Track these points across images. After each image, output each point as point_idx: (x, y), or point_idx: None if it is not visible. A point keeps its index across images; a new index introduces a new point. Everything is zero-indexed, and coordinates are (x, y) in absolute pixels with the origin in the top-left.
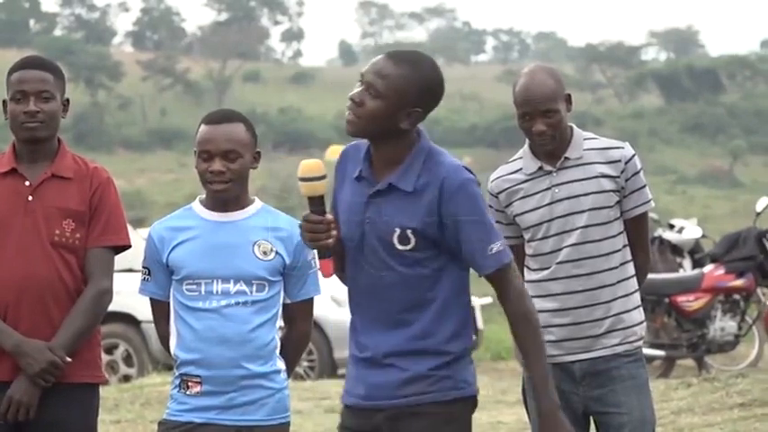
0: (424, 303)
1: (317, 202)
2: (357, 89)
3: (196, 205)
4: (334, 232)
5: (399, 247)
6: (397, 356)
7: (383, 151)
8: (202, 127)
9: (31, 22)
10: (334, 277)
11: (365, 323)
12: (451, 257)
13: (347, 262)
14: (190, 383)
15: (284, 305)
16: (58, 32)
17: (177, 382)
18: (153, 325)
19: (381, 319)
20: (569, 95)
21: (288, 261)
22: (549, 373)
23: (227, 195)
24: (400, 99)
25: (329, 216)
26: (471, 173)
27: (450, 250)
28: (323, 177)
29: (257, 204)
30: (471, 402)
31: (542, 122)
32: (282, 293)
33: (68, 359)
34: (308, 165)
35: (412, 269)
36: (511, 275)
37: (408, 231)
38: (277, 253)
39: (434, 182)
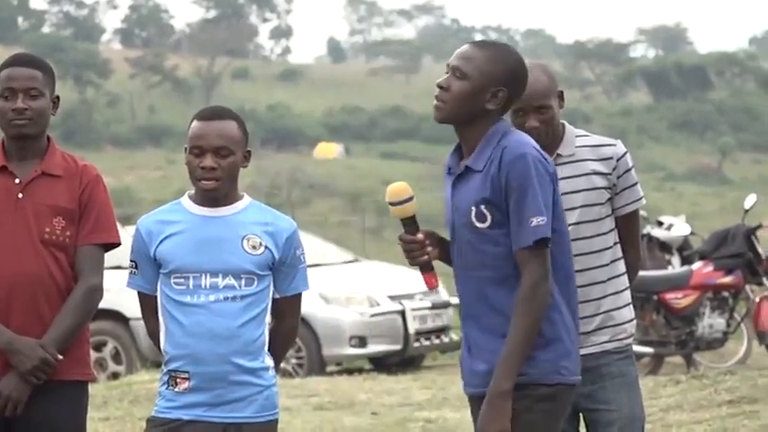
0: (506, 284)
1: (407, 223)
2: (445, 77)
3: (185, 200)
4: (429, 249)
5: (478, 225)
6: (487, 341)
7: (466, 138)
8: (194, 123)
9: (20, 19)
10: (322, 274)
11: (465, 306)
12: None
13: (452, 251)
14: (178, 380)
15: (273, 300)
16: (46, 30)
17: (165, 378)
18: (142, 322)
19: (476, 300)
20: (562, 92)
21: (277, 256)
22: (517, 359)
23: (216, 194)
24: (485, 78)
25: (420, 235)
26: (539, 151)
27: None
28: (410, 199)
29: (246, 200)
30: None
31: (535, 118)
32: (272, 288)
33: (60, 357)
34: (394, 189)
35: (494, 248)
36: (538, 257)
37: (482, 207)
38: (266, 247)
39: (497, 155)
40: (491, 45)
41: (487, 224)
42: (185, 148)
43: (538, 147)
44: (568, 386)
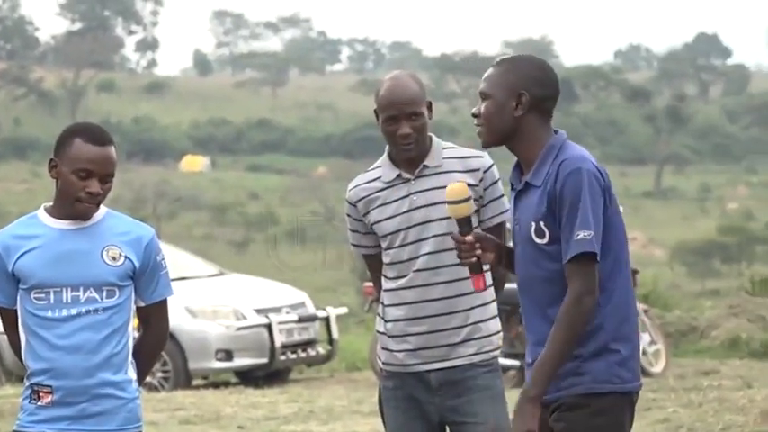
0: (562, 288)
1: (461, 223)
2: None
3: (41, 213)
4: (478, 251)
5: (537, 240)
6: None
7: (520, 153)
8: (83, 144)
9: None
10: (188, 287)
11: (526, 321)
12: None
13: (516, 265)
14: (41, 393)
15: (138, 308)
16: None
17: (28, 392)
18: (4, 336)
19: (535, 315)
20: (430, 103)
21: (137, 265)
22: (551, 368)
23: (90, 215)
24: (503, 90)
25: (470, 237)
26: (595, 165)
27: None
28: (467, 200)
29: (102, 210)
30: (623, 398)
31: (408, 125)
32: (134, 298)
33: None
34: (453, 188)
35: (553, 264)
36: (583, 271)
37: (541, 223)
38: (126, 258)
39: (554, 170)
40: (508, 59)
41: (546, 240)
42: (51, 162)
43: (594, 161)
44: (623, 394)
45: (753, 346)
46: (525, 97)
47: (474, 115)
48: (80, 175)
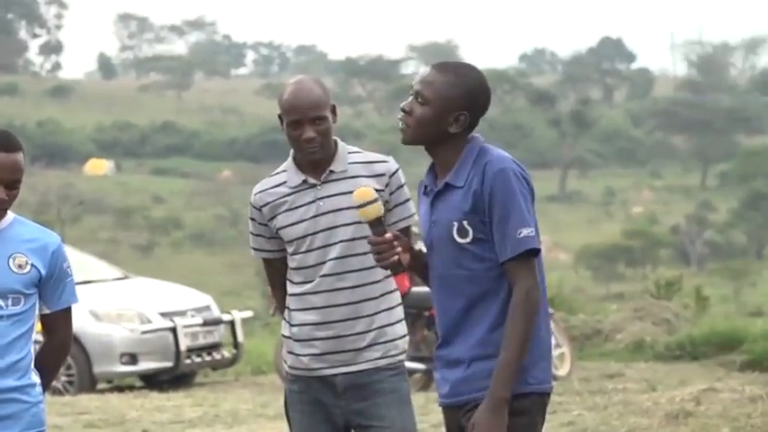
0: (489, 298)
1: (374, 224)
2: (408, 101)
3: None
4: (399, 249)
5: (459, 240)
6: (468, 353)
7: (439, 157)
8: None
9: None
10: (92, 290)
11: (445, 322)
12: None
13: (430, 267)
14: None
15: (43, 315)
16: None
17: None
18: None
19: (456, 316)
20: (334, 106)
21: (44, 272)
22: (515, 365)
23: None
24: (445, 104)
25: (388, 235)
26: (519, 165)
27: None
28: (375, 201)
29: (10, 216)
30: (540, 398)
31: (312, 129)
32: (38, 305)
33: None
34: (359, 192)
35: (474, 263)
36: (527, 267)
37: (464, 222)
38: (32, 265)
39: (479, 171)
40: (452, 68)
41: (469, 239)
42: None
43: (518, 162)
44: (536, 395)
45: (657, 348)
46: (464, 117)
47: (404, 110)
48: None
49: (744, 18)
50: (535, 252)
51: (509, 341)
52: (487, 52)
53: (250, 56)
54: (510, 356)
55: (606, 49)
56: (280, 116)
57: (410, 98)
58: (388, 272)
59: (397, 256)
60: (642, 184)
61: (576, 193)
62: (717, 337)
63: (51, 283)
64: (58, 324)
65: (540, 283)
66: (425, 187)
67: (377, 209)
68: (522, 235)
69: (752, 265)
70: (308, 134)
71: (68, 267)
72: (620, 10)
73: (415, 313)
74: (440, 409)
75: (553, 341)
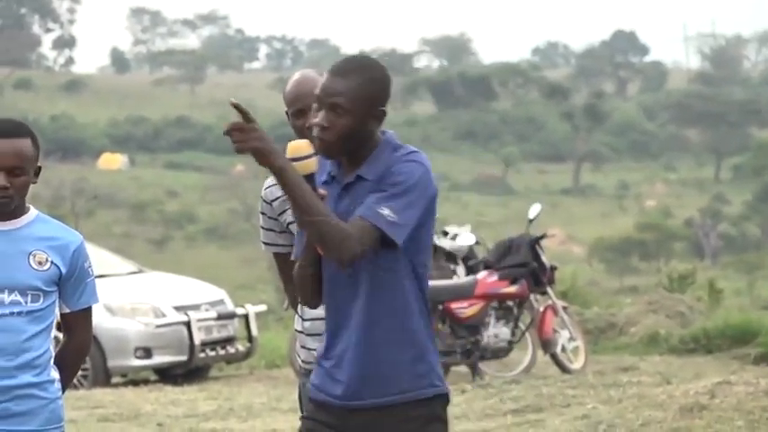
0: (392, 295)
1: (307, 180)
2: (320, 114)
3: None
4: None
5: None
6: (370, 352)
7: (355, 152)
8: None
9: None
10: (107, 285)
11: (334, 321)
12: (415, 245)
13: (323, 267)
14: None
15: (63, 315)
16: None
17: None
18: None
19: (359, 309)
20: None
21: (64, 271)
22: (297, 190)
23: (5, 210)
24: (366, 106)
25: (321, 191)
26: (423, 158)
27: (415, 239)
28: (311, 155)
29: (32, 213)
30: (446, 400)
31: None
32: (59, 303)
33: None
34: (296, 145)
35: (382, 258)
36: (367, 233)
37: None
38: (53, 263)
39: (392, 162)
40: (356, 69)
41: None
42: None
43: (422, 154)
44: (443, 396)
45: (671, 342)
46: (382, 111)
47: (321, 126)
48: None
49: (757, 11)
50: (391, 243)
51: (313, 200)
52: (500, 45)
53: (263, 50)
54: (302, 191)
55: (619, 42)
56: (286, 112)
57: (321, 112)
58: None
59: None
60: (656, 177)
61: (590, 187)
62: (731, 330)
63: (71, 283)
64: (77, 324)
65: (421, 282)
66: (329, 175)
67: (311, 164)
68: (383, 212)
69: (766, 258)
70: (311, 120)
71: (89, 267)
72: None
73: (429, 307)
74: (454, 402)
75: (567, 335)
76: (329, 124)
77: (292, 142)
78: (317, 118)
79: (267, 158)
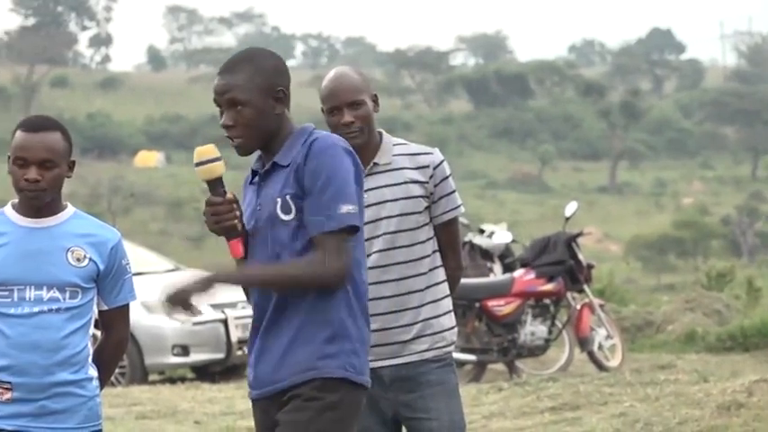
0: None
1: (215, 185)
2: (223, 116)
3: (8, 210)
4: (237, 212)
5: (283, 216)
6: (293, 335)
7: (269, 143)
8: (19, 133)
9: None
10: (144, 282)
11: (262, 310)
12: None
13: (249, 255)
14: (1, 389)
15: (100, 312)
16: None
17: None
18: None
19: (271, 302)
20: (376, 96)
21: (102, 267)
22: (255, 278)
23: (39, 203)
24: (263, 91)
25: (229, 196)
26: (344, 142)
27: None
28: (218, 159)
29: (70, 210)
30: (356, 389)
31: (350, 114)
32: (96, 300)
33: None
34: (202, 149)
35: (297, 243)
36: (342, 246)
37: (287, 197)
38: (91, 260)
39: (305, 150)
40: (242, 61)
41: (292, 215)
42: (9, 157)
43: (344, 140)
44: (356, 386)
45: (708, 340)
46: (282, 92)
47: (227, 126)
48: (18, 164)
49: None
50: (355, 230)
51: (280, 268)
52: (536, 43)
53: (299, 48)
54: (267, 274)
55: (656, 39)
56: (322, 109)
57: (224, 113)
58: (435, 264)
59: (235, 220)
60: (692, 175)
61: (627, 185)
62: None
63: (109, 280)
64: (115, 321)
65: (357, 268)
66: (252, 173)
67: (219, 167)
68: (343, 211)
69: None
70: (345, 118)
71: (127, 264)
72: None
73: (466, 304)
74: (491, 400)
75: (604, 332)
76: (233, 121)
77: (198, 147)
78: (222, 120)
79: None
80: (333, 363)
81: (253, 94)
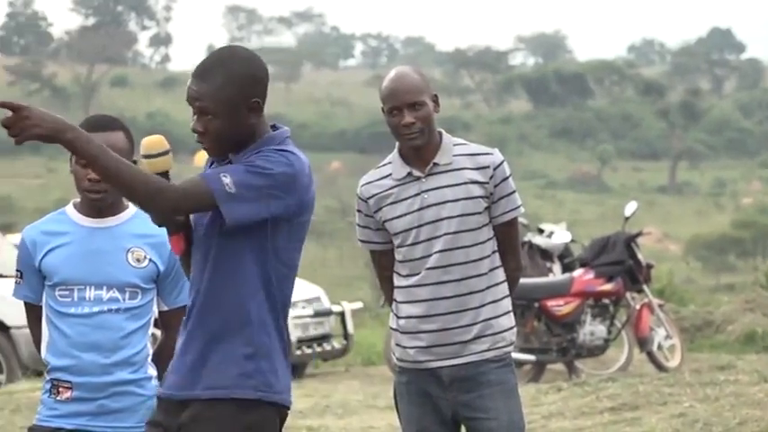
0: (232, 281)
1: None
2: (194, 121)
3: (70, 210)
4: None
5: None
6: (210, 342)
7: (240, 150)
8: None
9: None
10: None
11: (198, 307)
12: (263, 228)
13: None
14: (60, 389)
15: (160, 312)
16: None
17: (48, 386)
18: (22, 331)
19: (194, 299)
20: (436, 96)
21: (162, 268)
22: (99, 159)
23: (102, 203)
24: (234, 104)
25: None
26: (297, 163)
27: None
28: (166, 153)
29: (131, 210)
30: (274, 409)
31: (410, 115)
32: (156, 301)
33: None
34: (151, 141)
35: (232, 239)
36: (196, 188)
37: None
38: (151, 260)
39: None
40: (215, 69)
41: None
42: (71, 157)
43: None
44: (272, 405)
45: None
46: (257, 103)
47: (197, 131)
48: (80, 163)
49: None
50: (210, 190)
51: (125, 163)
52: (596, 43)
53: (358, 47)
54: (110, 158)
55: (715, 39)
56: (383, 108)
57: (195, 117)
58: (495, 264)
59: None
60: (752, 174)
61: (686, 185)
62: None
63: (169, 281)
64: (174, 322)
65: (279, 297)
66: (211, 162)
67: (166, 162)
68: (226, 181)
69: None
70: (406, 119)
71: None
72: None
73: (525, 304)
74: (550, 400)
75: (663, 332)
76: (203, 129)
77: (146, 138)
78: (192, 124)
79: (54, 138)
80: (245, 382)
81: (224, 106)
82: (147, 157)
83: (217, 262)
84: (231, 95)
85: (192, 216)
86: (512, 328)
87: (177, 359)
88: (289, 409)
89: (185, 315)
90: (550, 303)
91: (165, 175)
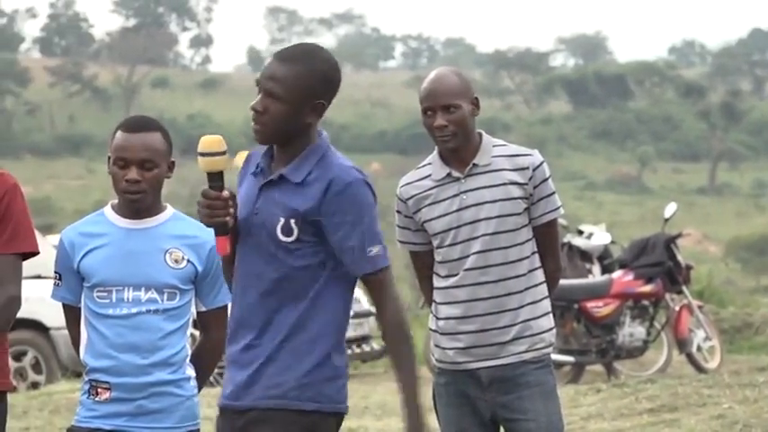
0: (296, 301)
1: (215, 178)
2: (258, 98)
3: (108, 211)
4: (231, 210)
5: (282, 238)
6: (265, 354)
7: (287, 149)
8: (119, 133)
9: None
10: None
11: (244, 317)
12: (334, 257)
13: (236, 253)
14: (99, 389)
15: (198, 313)
16: None
17: (86, 387)
18: (62, 332)
19: (258, 313)
20: (477, 99)
21: (200, 269)
22: (419, 389)
23: (140, 205)
24: (302, 97)
25: (227, 192)
26: (363, 174)
27: (331, 249)
28: (223, 153)
29: (169, 211)
30: (333, 419)
31: (443, 117)
32: (194, 301)
33: None
34: (209, 140)
35: (293, 261)
36: (387, 281)
37: (292, 221)
38: (189, 261)
39: (323, 178)
40: (298, 58)
41: (292, 239)
42: (108, 158)
43: (360, 169)
44: (332, 415)
45: None
46: (321, 105)
47: (256, 110)
48: (119, 165)
49: None
50: (387, 268)
51: (408, 367)
52: (636, 44)
53: (398, 49)
54: (414, 383)
55: (756, 40)
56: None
57: (259, 96)
58: (534, 265)
59: (227, 218)
60: None
61: (726, 186)
62: None
63: (207, 281)
64: (213, 322)
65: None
66: (258, 167)
67: (223, 162)
68: (372, 254)
69: None
70: (438, 122)
71: None
72: None
73: (564, 306)
74: (589, 401)
75: (703, 334)
76: (263, 109)
77: (205, 136)
78: (254, 101)
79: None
80: (306, 393)
81: (293, 94)
82: (204, 155)
83: (286, 280)
84: (304, 87)
85: (240, 208)
86: (551, 329)
87: (237, 370)
88: (342, 417)
89: (236, 326)
90: (590, 305)
91: (218, 175)
